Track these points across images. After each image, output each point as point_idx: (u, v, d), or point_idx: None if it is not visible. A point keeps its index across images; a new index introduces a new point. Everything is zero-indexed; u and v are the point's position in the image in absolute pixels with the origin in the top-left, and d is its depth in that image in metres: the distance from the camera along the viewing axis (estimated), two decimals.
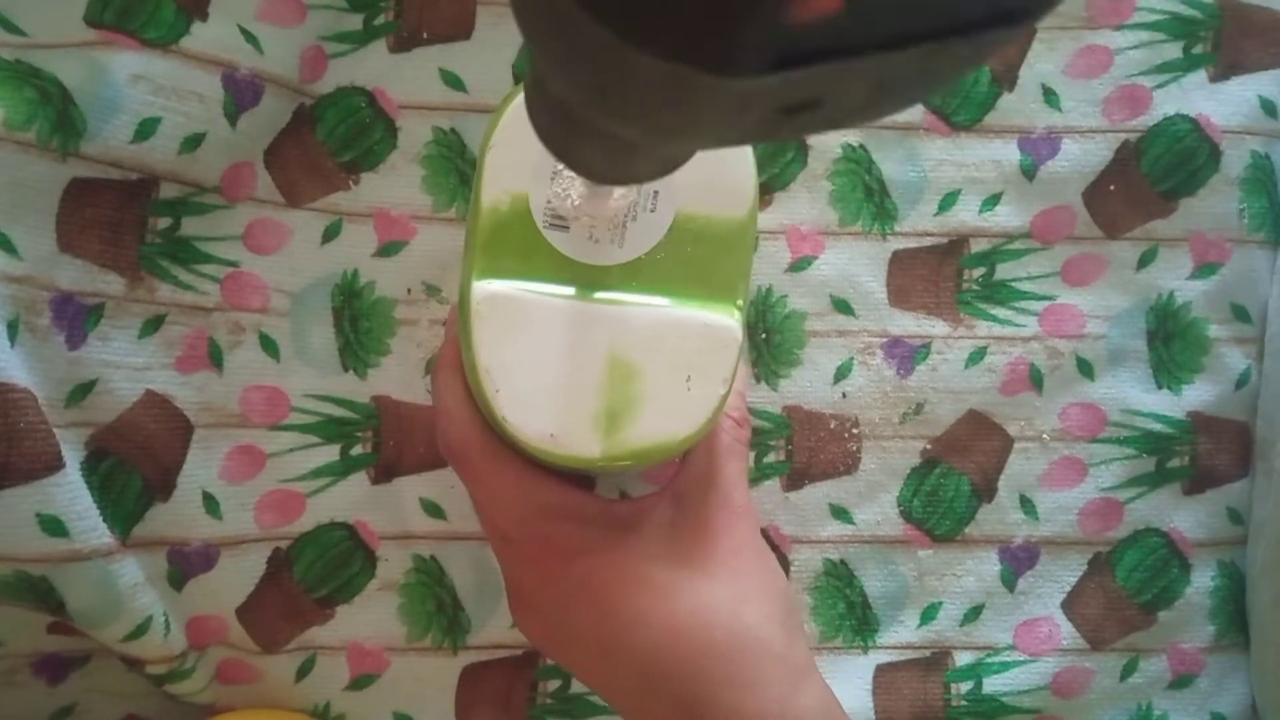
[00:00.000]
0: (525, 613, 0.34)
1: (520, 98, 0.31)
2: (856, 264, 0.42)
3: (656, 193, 0.31)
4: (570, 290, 0.30)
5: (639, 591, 0.31)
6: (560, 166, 0.30)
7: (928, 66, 0.15)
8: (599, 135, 0.20)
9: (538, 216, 0.31)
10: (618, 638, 0.31)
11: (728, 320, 0.31)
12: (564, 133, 0.22)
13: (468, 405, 0.32)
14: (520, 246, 0.31)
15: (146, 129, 0.35)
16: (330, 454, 0.39)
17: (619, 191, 0.30)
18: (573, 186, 0.30)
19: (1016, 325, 0.42)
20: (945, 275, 0.42)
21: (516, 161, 0.31)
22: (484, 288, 0.30)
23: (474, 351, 0.30)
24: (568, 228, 0.31)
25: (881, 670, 0.41)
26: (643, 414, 0.30)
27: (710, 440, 0.34)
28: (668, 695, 0.30)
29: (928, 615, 0.42)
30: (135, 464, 0.37)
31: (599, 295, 0.31)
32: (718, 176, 0.31)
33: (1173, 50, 0.43)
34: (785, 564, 0.41)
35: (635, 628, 0.30)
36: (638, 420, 0.30)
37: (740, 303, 0.31)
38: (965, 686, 0.42)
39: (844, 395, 0.42)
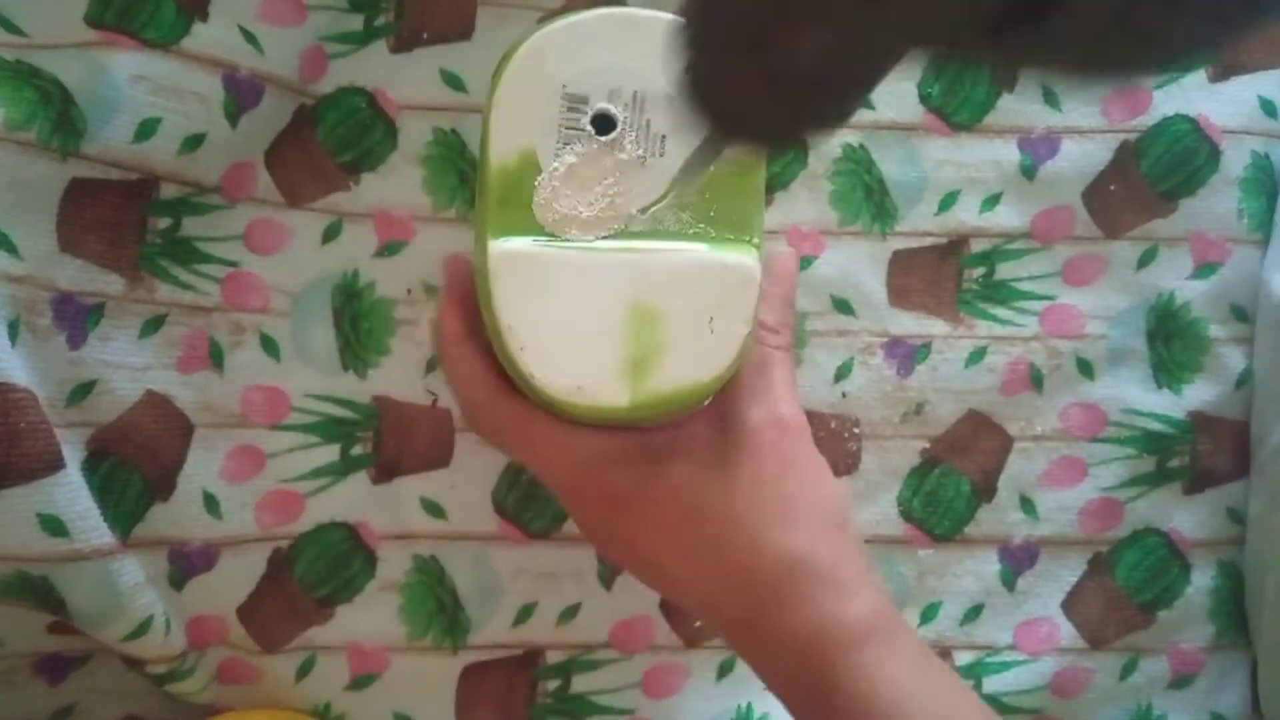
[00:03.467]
0: (594, 540, 0.36)
1: (521, 50, 0.31)
2: (857, 264, 0.42)
3: (664, 138, 0.31)
4: (586, 241, 0.31)
5: (695, 521, 0.32)
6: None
7: None
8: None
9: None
10: (679, 565, 0.33)
11: (745, 259, 0.31)
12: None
13: (486, 381, 0.33)
14: (532, 202, 0.31)
15: (147, 129, 0.35)
16: (330, 454, 0.39)
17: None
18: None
19: (1016, 325, 0.42)
20: (945, 275, 0.42)
21: (521, 117, 0.31)
22: (500, 246, 0.30)
23: (495, 311, 0.30)
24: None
25: None
26: (668, 359, 0.30)
27: (747, 355, 0.34)
28: (725, 617, 0.33)
29: (927, 615, 0.42)
30: (136, 464, 0.37)
31: (615, 244, 0.31)
32: None
33: None
34: None
35: (693, 557, 0.32)
36: (664, 366, 0.30)
37: (756, 240, 0.32)
38: None
39: (844, 395, 0.42)
